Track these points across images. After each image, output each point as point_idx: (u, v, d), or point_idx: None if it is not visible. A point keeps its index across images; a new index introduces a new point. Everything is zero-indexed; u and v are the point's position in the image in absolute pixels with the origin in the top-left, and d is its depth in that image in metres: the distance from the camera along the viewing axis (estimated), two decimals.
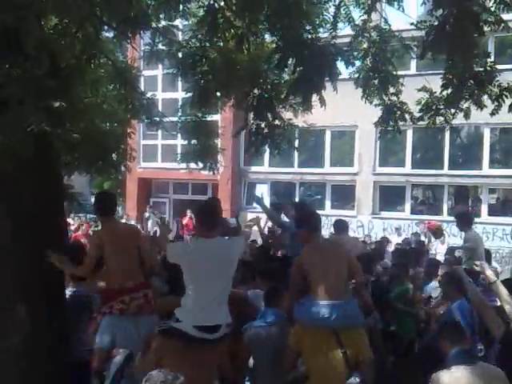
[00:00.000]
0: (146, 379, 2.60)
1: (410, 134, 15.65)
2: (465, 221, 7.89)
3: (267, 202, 14.16)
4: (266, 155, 15.54)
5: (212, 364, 3.80)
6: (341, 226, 7.55)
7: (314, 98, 5.02)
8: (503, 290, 4.43)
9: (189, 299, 3.72)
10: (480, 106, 5.17)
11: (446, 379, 3.44)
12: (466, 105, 5.37)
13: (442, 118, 5.57)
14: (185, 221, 15.99)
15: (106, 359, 4.24)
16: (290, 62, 4.34)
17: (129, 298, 4.19)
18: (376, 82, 5.09)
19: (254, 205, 14.34)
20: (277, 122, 5.98)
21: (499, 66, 5.43)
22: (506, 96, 4.97)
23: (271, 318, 4.40)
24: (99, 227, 14.72)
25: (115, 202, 4.71)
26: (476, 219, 9.68)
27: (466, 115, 5.50)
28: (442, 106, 5.40)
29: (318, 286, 4.17)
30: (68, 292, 4.84)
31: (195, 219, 4.13)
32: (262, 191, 15.74)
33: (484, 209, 15.33)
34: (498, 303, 4.43)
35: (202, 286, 3.69)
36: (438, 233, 10.14)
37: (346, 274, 4.29)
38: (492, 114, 5.25)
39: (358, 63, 5.03)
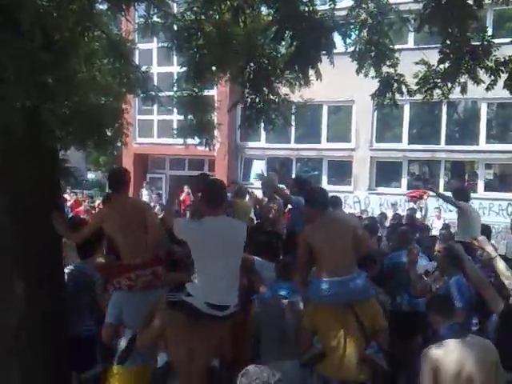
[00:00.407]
0: (242, 374, 2.57)
1: (407, 109, 15.61)
2: (461, 196, 7.95)
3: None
4: (263, 131, 15.50)
5: (212, 340, 3.81)
6: (334, 202, 7.57)
7: (311, 72, 4.97)
8: (502, 266, 4.47)
9: (199, 277, 3.73)
10: (476, 80, 5.12)
11: (437, 353, 3.48)
12: (462, 79, 5.33)
13: (439, 92, 5.52)
14: (182, 197, 15.99)
15: (114, 334, 4.26)
16: (286, 35, 4.27)
17: (135, 275, 4.18)
18: (372, 54, 5.03)
19: (252, 180, 14.35)
20: (272, 96, 5.91)
21: (498, 40, 5.37)
22: (502, 71, 4.92)
23: (283, 291, 4.43)
24: (96, 203, 14.76)
25: (123, 178, 4.59)
26: (472, 194, 9.72)
27: (463, 90, 5.46)
28: (439, 80, 5.35)
29: (325, 263, 4.18)
30: (67, 270, 4.86)
31: (201, 197, 4.10)
32: (262, 167, 15.70)
33: (480, 184, 15.39)
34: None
35: (208, 265, 3.69)
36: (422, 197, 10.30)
37: (352, 248, 4.26)
38: (487, 88, 5.21)
39: (354, 35, 4.96)
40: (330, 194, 8.13)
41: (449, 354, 3.45)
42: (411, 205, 13.55)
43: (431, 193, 9.45)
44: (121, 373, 4.14)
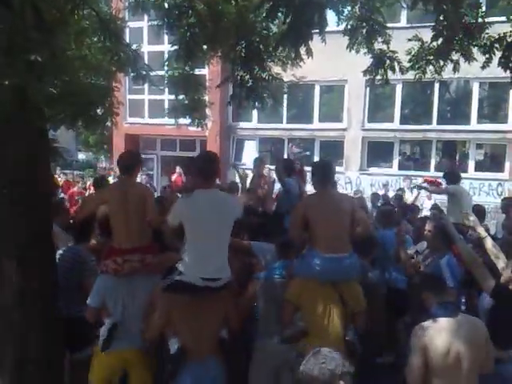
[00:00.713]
0: (313, 352, 2.53)
1: (399, 88, 15.57)
2: (452, 178, 8.12)
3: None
4: (255, 111, 15.45)
5: (218, 313, 3.85)
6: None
7: (303, 50, 4.94)
8: (491, 245, 4.51)
9: (190, 251, 3.73)
10: (469, 58, 5.11)
11: (428, 331, 3.50)
12: (455, 57, 5.31)
13: (431, 68, 5.50)
14: (173, 177, 15.94)
15: (97, 317, 4.27)
16: (279, 13, 4.23)
17: (121, 260, 4.15)
18: (364, 31, 4.99)
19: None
20: (263, 74, 5.87)
21: (490, 19, 5.34)
22: (497, 48, 4.91)
23: (278, 270, 4.43)
24: (87, 184, 14.64)
25: (134, 161, 4.57)
26: (463, 174, 9.80)
27: (455, 67, 5.44)
28: (431, 57, 5.33)
29: (320, 237, 4.17)
30: (59, 252, 4.85)
31: (192, 171, 4.08)
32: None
33: (471, 164, 15.43)
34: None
35: (202, 237, 3.70)
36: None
37: (349, 227, 4.27)
38: (482, 67, 5.20)
39: (346, 12, 4.92)
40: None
41: (439, 332, 3.47)
42: (402, 185, 13.58)
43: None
44: (101, 354, 4.15)
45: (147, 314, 3.99)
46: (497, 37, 4.88)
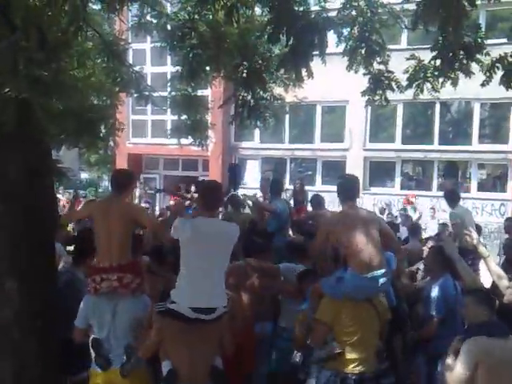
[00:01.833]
0: None
1: (400, 109, 15.65)
2: (453, 198, 8.11)
3: (258, 178, 14.18)
4: (257, 131, 15.54)
5: (213, 341, 3.78)
6: (317, 201, 7.61)
7: (304, 71, 4.99)
8: (494, 265, 4.48)
9: (183, 279, 3.69)
10: (468, 74, 5.13)
11: (479, 346, 3.44)
12: (453, 75, 5.35)
13: (429, 86, 5.53)
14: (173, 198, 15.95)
15: (85, 337, 4.19)
16: (281, 36, 4.28)
17: (99, 278, 4.06)
18: (363, 51, 5.04)
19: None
20: (264, 94, 5.93)
21: (490, 41, 5.40)
22: (498, 68, 4.94)
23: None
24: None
25: (124, 180, 4.37)
26: (465, 195, 9.83)
27: (454, 83, 5.46)
28: (429, 74, 5.38)
29: (359, 258, 4.08)
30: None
31: (197, 198, 4.09)
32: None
33: (473, 184, 15.43)
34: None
35: (196, 265, 3.65)
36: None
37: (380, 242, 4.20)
38: (482, 84, 5.21)
39: (345, 33, 4.98)
40: (317, 193, 8.23)
41: (495, 350, 3.42)
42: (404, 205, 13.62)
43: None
44: (96, 375, 4.10)
45: (143, 331, 3.95)
46: (498, 56, 4.91)
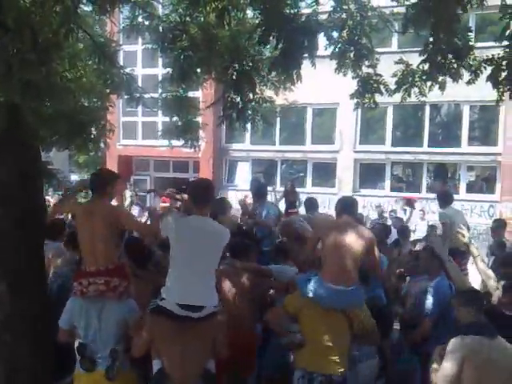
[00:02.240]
0: None
1: (390, 111, 15.74)
2: (445, 199, 8.05)
3: (249, 180, 14.20)
4: (247, 133, 15.55)
5: (205, 342, 3.76)
6: (310, 204, 7.64)
7: (295, 75, 5.01)
8: (483, 265, 4.54)
9: (173, 276, 3.72)
10: (456, 78, 5.18)
11: (469, 345, 3.50)
12: (441, 78, 5.39)
13: (416, 90, 5.58)
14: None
15: (69, 337, 4.19)
16: (271, 38, 4.29)
17: (87, 282, 4.06)
18: (352, 55, 5.08)
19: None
20: (253, 96, 5.94)
21: (479, 44, 5.45)
22: (485, 68, 4.98)
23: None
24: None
25: (100, 181, 4.26)
26: (454, 196, 9.85)
27: (441, 87, 5.51)
28: (417, 79, 5.43)
29: (329, 267, 4.18)
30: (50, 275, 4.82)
31: (188, 195, 4.09)
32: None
33: (462, 186, 15.55)
34: None
35: (186, 262, 3.68)
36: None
37: (360, 259, 4.24)
38: (468, 82, 5.24)
39: (335, 35, 5.01)
40: (311, 196, 8.24)
41: (480, 349, 3.48)
42: (395, 206, 13.65)
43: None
44: (80, 378, 4.09)
45: (134, 336, 3.94)
46: (486, 57, 4.96)
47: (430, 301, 4.96)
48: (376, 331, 4.32)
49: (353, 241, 4.22)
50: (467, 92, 5.58)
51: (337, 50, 4.97)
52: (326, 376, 4.00)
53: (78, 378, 4.12)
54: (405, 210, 13.28)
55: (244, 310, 4.66)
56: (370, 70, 5.67)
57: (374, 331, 4.31)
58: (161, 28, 5.80)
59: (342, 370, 4.06)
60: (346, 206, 4.53)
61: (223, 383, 4.38)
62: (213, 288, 3.80)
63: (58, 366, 4.55)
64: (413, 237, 9.22)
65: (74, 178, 28.51)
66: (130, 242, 5.07)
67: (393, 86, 5.78)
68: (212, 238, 3.79)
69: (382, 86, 5.71)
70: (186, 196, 5.33)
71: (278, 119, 15.43)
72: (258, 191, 7.43)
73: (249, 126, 6.56)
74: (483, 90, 5.55)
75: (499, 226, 8.43)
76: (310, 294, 4.15)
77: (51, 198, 14.65)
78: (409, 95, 5.61)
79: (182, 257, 3.71)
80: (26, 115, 3.41)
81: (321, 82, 13.26)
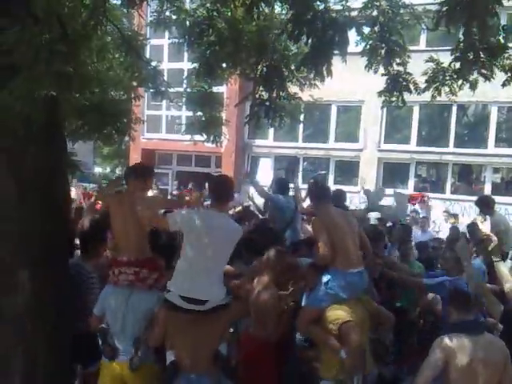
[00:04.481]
0: None
1: (416, 110, 15.54)
2: (485, 205, 7.82)
3: (271, 176, 14.19)
4: (271, 129, 15.50)
5: (216, 331, 3.81)
6: (338, 195, 7.57)
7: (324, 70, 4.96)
8: (505, 269, 4.47)
9: (180, 268, 3.75)
10: (487, 77, 5.07)
11: (451, 345, 3.54)
12: (473, 77, 5.29)
13: (447, 89, 5.49)
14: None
15: (100, 324, 4.26)
16: (302, 34, 4.25)
17: (118, 271, 4.15)
18: (382, 51, 5.02)
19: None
20: (282, 93, 5.91)
21: (510, 44, 5.32)
22: None
23: None
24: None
25: (133, 173, 4.41)
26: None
27: (472, 86, 5.41)
28: (448, 77, 5.34)
29: (343, 254, 4.22)
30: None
31: (209, 191, 4.11)
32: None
33: (488, 188, 15.30)
34: None
35: (193, 256, 3.70)
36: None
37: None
38: (503, 84, 5.13)
39: (366, 32, 4.96)
40: (339, 188, 8.18)
41: (461, 348, 3.52)
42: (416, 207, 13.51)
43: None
44: (106, 366, 4.15)
45: (151, 326, 3.97)
46: None
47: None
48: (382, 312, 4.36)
49: (351, 225, 4.41)
50: (496, 92, 5.48)
51: (368, 46, 4.90)
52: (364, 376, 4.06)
53: (104, 366, 4.18)
54: (426, 211, 13.15)
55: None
56: (400, 68, 5.58)
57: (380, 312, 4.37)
58: (188, 22, 5.80)
59: (373, 366, 4.17)
60: (334, 197, 4.72)
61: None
62: (219, 283, 3.81)
63: (85, 354, 4.58)
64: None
65: (98, 169, 28.87)
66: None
67: (422, 85, 5.68)
68: (224, 235, 3.79)
69: (411, 85, 5.63)
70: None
71: (302, 116, 15.35)
72: (280, 188, 7.39)
73: (276, 123, 6.51)
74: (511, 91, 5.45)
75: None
76: (336, 290, 4.14)
77: (75, 189, 14.85)
78: (439, 94, 5.52)
79: (191, 250, 3.73)
80: (63, 107, 3.42)
81: (346, 80, 13.18)
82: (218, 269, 3.82)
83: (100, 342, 4.17)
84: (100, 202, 5.09)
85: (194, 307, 3.66)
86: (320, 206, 4.59)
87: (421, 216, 11.60)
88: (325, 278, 4.22)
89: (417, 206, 13.39)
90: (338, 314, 4.11)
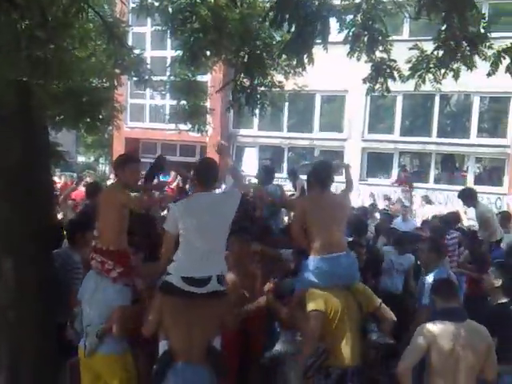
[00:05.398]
0: None
1: (399, 100, 15.62)
2: (468, 197, 7.86)
3: (256, 166, 14.17)
4: (255, 118, 15.47)
5: (212, 320, 3.80)
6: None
7: (306, 58, 4.95)
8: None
9: (180, 251, 3.76)
10: (470, 66, 5.11)
11: (433, 332, 3.61)
12: (456, 65, 5.32)
13: (431, 77, 5.51)
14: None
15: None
16: (284, 21, 4.23)
17: (91, 256, 4.21)
18: (365, 39, 5.03)
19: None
20: (264, 81, 5.89)
21: (493, 34, 5.35)
22: (504, 57, 4.91)
23: None
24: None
25: (118, 165, 4.28)
26: (461, 187, 9.78)
27: (455, 75, 5.44)
28: (432, 65, 5.36)
29: (318, 238, 4.17)
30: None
31: (194, 175, 4.10)
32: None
33: (470, 178, 15.46)
34: None
35: (192, 238, 3.71)
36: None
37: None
38: (488, 74, 5.15)
39: (348, 20, 4.95)
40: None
41: (443, 334, 3.59)
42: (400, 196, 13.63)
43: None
44: (82, 357, 4.15)
45: (147, 313, 3.95)
46: (505, 46, 4.88)
47: (429, 290, 4.93)
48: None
49: (336, 209, 4.35)
50: (478, 82, 5.51)
51: (350, 33, 4.91)
52: (343, 369, 3.99)
53: (80, 352, 4.18)
54: (409, 199, 13.26)
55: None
56: (384, 55, 5.60)
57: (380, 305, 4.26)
58: (171, 9, 5.74)
59: (357, 360, 4.05)
60: (325, 180, 4.54)
61: (235, 365, 4.42)
62: (221, 259, 3.84)
63: (70, 344, 4.57)
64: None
65: (81, 159, 28.61)
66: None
67: (405, 73, 5.70)
68: (218, 210, 3.81)
69: (395, 72, 5.65)
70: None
71: (287, 106, 15.35)
72: (266, 176, 7.38)
73: (257, 111, 6.49)
74: (494, 81, 5.48)
75: (504, 217, 8.36)
76: (318, 276, 4.11)
77: (58, 179, 14.71)
78: (423, 82, 5.54)
79: (189, 234, 3.73)
80: (36, 93, 3.38)
81: (330, 69, 13.19)
82: (221, 242, 3.85)
83: (68, 325, 4.18)
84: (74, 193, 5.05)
85: (193, 289, 3.66)
86: (312, 190, 4.57)
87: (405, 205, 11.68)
88: (306, 263, 4.23)
89: (401, 196, 13.50)
90: (311, 301, 4.08)
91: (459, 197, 8.09)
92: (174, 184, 13.51)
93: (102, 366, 4.08)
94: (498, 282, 4.35)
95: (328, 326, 4.04)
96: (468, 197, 7.84)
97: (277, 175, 8.40)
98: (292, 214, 4.61)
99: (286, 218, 7.42)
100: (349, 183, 5.12)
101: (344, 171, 5.75)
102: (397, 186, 13.59)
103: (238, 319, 4.07)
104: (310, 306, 4.06)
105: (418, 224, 9.30)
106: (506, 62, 4.96)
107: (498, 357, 3.71)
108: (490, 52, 5.05)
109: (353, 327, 4.06)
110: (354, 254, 4.43)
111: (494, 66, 5.06)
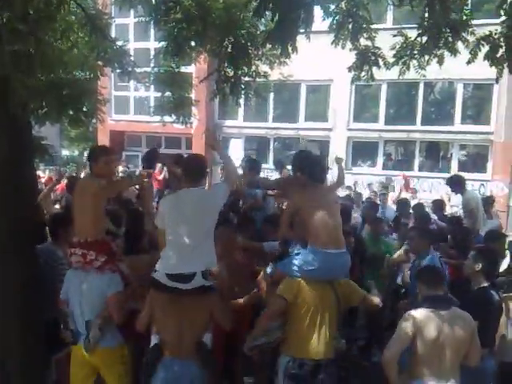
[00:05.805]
0: None
1: (384, 88, 15.68)
2: (457, 184, 7.94)
3: (241, 157, 14.17)
4: (241, 109, 15.45)
5: (202, 315, 3.80)
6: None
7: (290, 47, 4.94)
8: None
9: (166, 248, 3.76)
10: (454, 52, 5.14)
11: (418, 319, 3.64)
12: (440, 51, 5.34)
13: (415, 63, 5.52)
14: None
15: (66, 307, 4.25)
16: (267, 10, 4.21)
17: (69, 252, 4.12)
18: (349, 26, 5.02)
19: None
20: (248, 70, 5.87)
21: (475, 21, 5.38)
22: (483, 45, 4.95)
23: None
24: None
25: (91, 156, 4.26)
26: (446, 175, 9.86)
27: (440, 62, 5.45)
28: (416, 52, 5.38)
29: (319, 231, 4.05)
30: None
31: (182, 171, 4.08)
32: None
33: (454, 165, 15.59)
34: None
35: (177, 234, 3.71)
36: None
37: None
38: (468, 62, 5.18)
39: (332, 7, 4.94)
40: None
41: (428, 321, 3.63)
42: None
43: None
44: (74, 351, 4.15)
45: (106, 309, 3.99)
46: (483, 35, 4.92)
47: None
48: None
49: (332, 205, 4.26)
50: (461, 70, 5.54)
51: (335, 21, 4.90)
52: (316, 362, 3.93)
53: (73, 350, 4.17)
54: (393, 188, 13.34)
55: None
56: (368, 43, 5.61)
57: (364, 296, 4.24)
58: (153, 0, 5.70)
59: (332, 353, 4.01)
60: (319, 174, 4.44)
61: (221, 355, 4.45)
62: (209, 250, 3.80)
63: (54, 340, 4.55)
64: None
65: (65, 152, 28.37)
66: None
67: (391, 60, 5.71)
68: (204, 205, 3.80)
69: (380, 60, 5.66)
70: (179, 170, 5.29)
71: (272, 96, 15.33)
72: (252, 168, 7.39)
73: (242, 101, 6.47)
74: (477, 68, 5.52)
75: (486, 202, 8.47)
76: (302, 268, 4.04)
77: (42, 173, 14.60)
78: (408, 68, 5.54)
79: (174, 229, 3.74)
80: (17, 87, 3.33)
81: (315, 59, 13.20)
82: (207, 237, 3.81)
83: (61, 327, 4.15)
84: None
85: (178, 285, 3.66)
86: (301, 181, 4.53)
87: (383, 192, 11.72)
88: (296, 250, 4.20)
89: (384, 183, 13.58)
90: (283, 286, 4.05)
91: (447, 183, 8.16)
92: (161, 176, 13.50)
93: (101, 360, 4.08)
94: (479, 267, 4.37)
95: (298, 317, 3.99)
96: (456, 183, 7.91)
97: (263, 166, 8.44)
98: (284, 203, 4.55)
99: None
100: (340, 178, 5.09)
101: (337, 166, 5.72)
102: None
103: (231, 317, 4.03)
104: (279, 290, 4.04)
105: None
106: (485, 49, 4.99)
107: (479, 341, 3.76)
108: (472, 38, 5.08)
109: (328, 321, 4.00)
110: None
111: (473, 53, 5.09)
